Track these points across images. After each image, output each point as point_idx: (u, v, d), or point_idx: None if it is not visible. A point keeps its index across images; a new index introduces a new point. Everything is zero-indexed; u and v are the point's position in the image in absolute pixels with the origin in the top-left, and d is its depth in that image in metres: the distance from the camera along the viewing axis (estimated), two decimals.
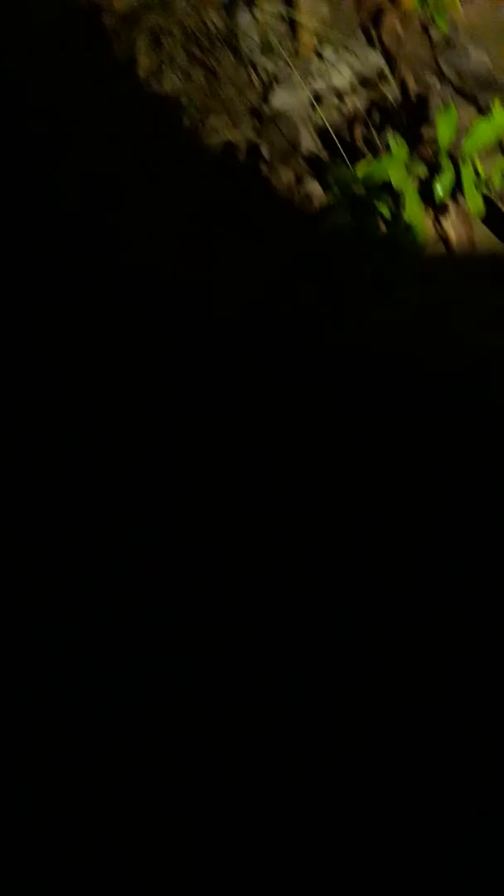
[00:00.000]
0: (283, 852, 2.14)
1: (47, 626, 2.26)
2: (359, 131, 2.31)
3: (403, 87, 2.34)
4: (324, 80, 2.29)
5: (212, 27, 2.27)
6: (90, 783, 2.19)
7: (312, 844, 2.15)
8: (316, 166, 2.30)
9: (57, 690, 2.23)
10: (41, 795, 2.18)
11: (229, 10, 2.29)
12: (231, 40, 2.27)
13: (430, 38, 2.36)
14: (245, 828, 2.15)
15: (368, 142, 2.36)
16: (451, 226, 2.31)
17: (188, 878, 2.13)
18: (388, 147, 2.24)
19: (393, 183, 2.16)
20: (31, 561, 2.27)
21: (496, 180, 2.40)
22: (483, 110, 2.47)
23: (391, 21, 2.33)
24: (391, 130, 2.28)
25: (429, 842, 2.13)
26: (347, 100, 2.33)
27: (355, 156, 2.30)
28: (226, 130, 2.24)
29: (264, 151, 2.27)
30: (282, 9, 2.27)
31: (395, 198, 2.20)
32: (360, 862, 2.13)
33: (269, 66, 2.26)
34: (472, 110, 2.48)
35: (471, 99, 2.51)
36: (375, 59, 2.35)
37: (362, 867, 2.13)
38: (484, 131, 2.29)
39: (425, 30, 2.37)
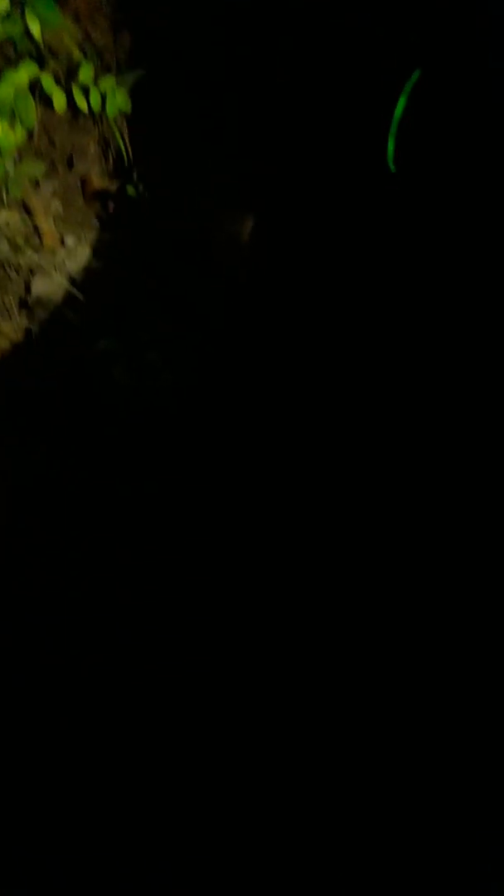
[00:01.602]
0: (282, 852, 2.13)
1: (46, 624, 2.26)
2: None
3: None
4: (72, 261, 2.60)
5: None
6: (89, 781, 2.18)
7: (311, 844, 2.13)
8: None
9: (56, 686, 2.22)
10: (41, 792, 2.16)
11: None
12: None
13: None
14: (244, 827, 2.14)
15: None
16: None
17: (188, 878, 2.11)
18: None
19: None
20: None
21: None
22: None
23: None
24: None
25: (426, 841, 2.12)
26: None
27: None
28: (1, 323, 2.51)
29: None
30: (22, 216, 2.57)
31: None
32: (359, 862, 2.12)
33: (23, 261, 2.56)
34: None
35: None
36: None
37: (361, 867, 2.12)
38: None
39: None
